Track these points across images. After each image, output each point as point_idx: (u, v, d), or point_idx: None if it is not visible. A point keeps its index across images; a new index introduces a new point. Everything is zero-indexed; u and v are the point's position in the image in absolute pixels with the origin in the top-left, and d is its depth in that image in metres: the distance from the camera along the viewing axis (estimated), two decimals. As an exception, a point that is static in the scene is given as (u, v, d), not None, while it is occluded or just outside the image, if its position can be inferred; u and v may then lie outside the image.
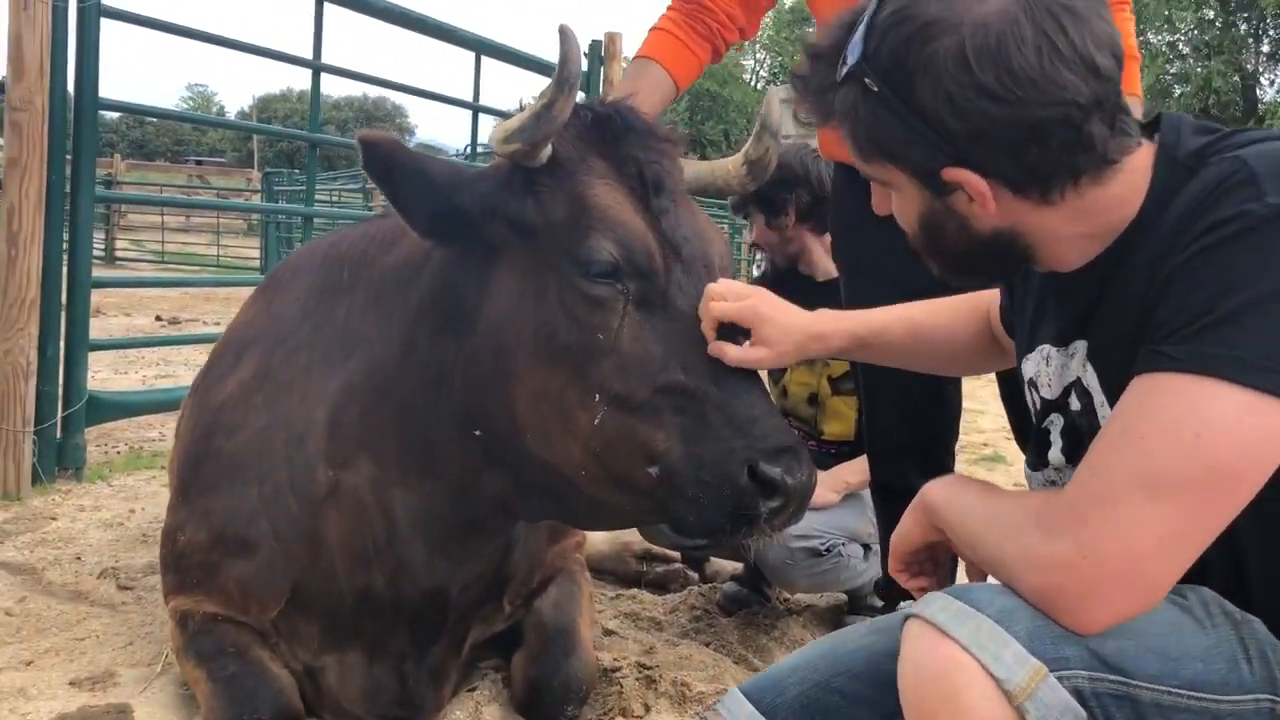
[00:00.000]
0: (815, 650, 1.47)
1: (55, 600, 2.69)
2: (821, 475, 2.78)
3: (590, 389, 1.59)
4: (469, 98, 6.16)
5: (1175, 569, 1.09)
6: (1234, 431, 1.04)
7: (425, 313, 1.82)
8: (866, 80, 1.21)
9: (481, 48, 5.84)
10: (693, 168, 1.83)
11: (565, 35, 1.55)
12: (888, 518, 2.40)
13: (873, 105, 1.22)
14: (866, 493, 2.79)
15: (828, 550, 2.66)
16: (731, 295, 1.57)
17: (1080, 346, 1.32)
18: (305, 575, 1.98)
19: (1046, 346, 1.38)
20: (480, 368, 1.72)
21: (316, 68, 4.91)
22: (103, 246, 19.04)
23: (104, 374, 6.46)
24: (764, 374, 3.22)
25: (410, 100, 74.69)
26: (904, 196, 1.31)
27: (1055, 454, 1.37)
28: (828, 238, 3.02)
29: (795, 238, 3.02)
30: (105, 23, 3.77)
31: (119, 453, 4.53)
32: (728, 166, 1.87)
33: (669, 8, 2.49)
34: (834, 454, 2.93)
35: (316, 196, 15.28)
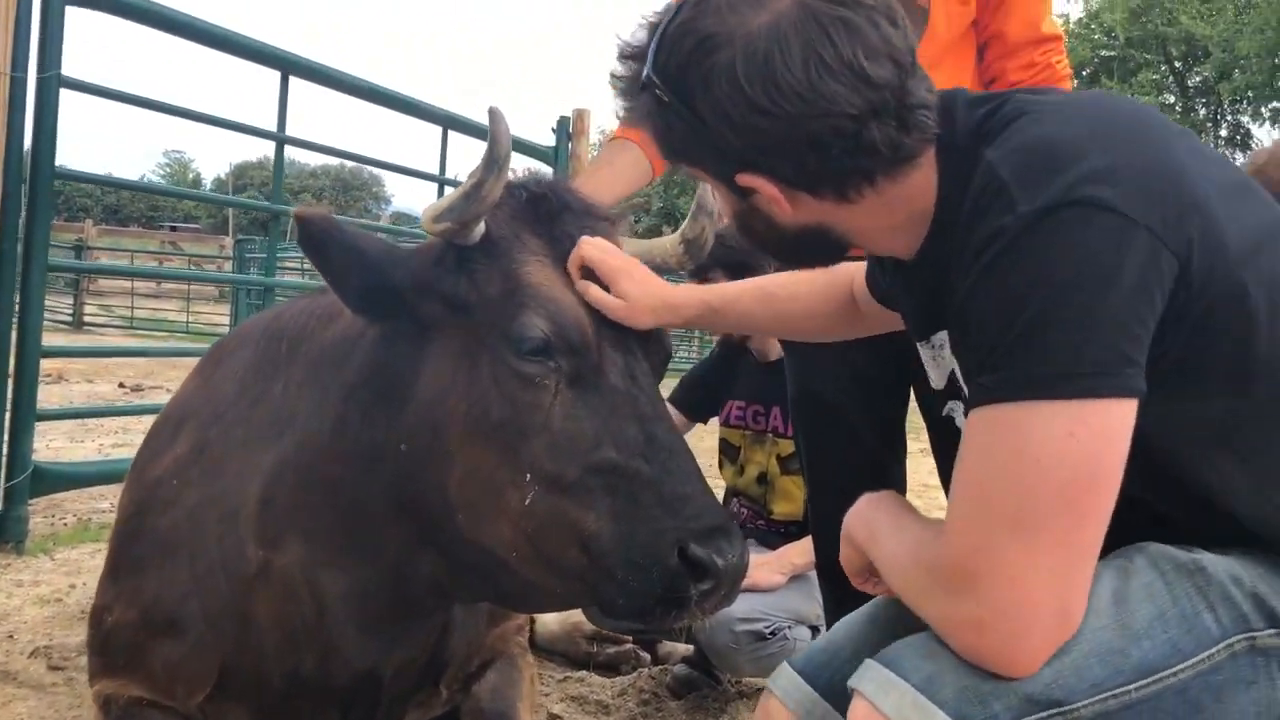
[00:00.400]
0: (865, 616, 1.46)
1: (-19, 680, 2.61)
2: (768, 557, 2.76)
3: (522, 468, 1.56)
4: (437, 170, 6.21)
5: (1078, 586, 1.09)
6: (1069, 445, 1.04)
7: (358, 390, 1.79)
8: (657, 91, 1.25)
9: (449, 122, 5.90)
10: (631, 245, 1.83)
11: (494, 116, 1.55)
12: (833, 600, 2.37)
13: (666, 114, 1.25)
14: (814, 575, 2.77)
15: (773, 633, 2.62)
16: (603, 249, 1.62)
17: (942, 337, 1.32)
18: (234, 657, 1.93)
19: (919, 342, 1.39)
20: (412, 446, 1.69)
21: (280, 140, 4.94)
22: (71, 312, 18.94)
23: (60, 442, 6.36)
24: (720, 453, 3.22)
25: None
26: (719, 195, 1.35)
27: None
28: None
29: None
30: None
31: (66, 524, 4.43)
32: (665, 245, 1.87)
33: None
34: (783, 533, 2.91)
35: (287, 265, 15.28)
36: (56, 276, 21.95)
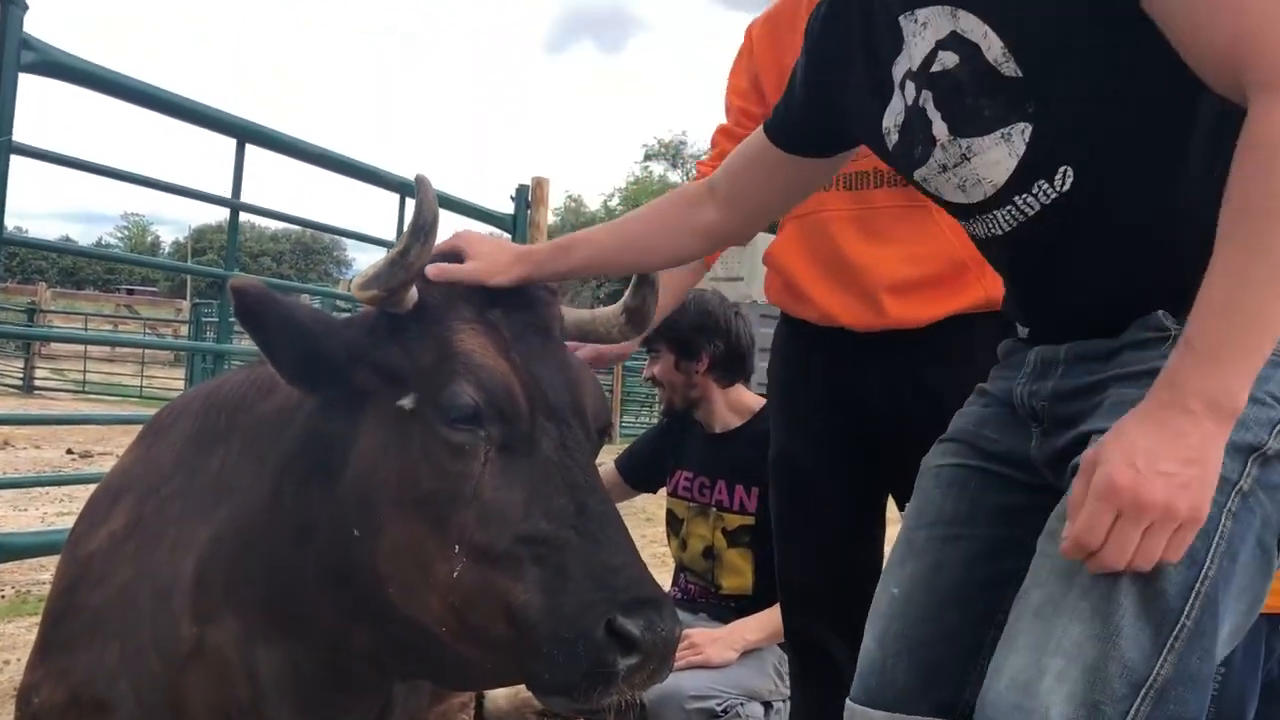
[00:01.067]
0: (888, 622, 1.47)
1: (-99, 765, 2.51)
2: (720, 632, 2.74)
3: (450, 539, 1.54)
4: (394, 236, 6.20)
5: None
6: None
7: (294, 461, 1.77)
8: None
9: (405, 189, 5.91)
10: (573, 315, 1.84)
11: (421, 184, 1.57)
12: (799, 668, 2.34)
13: None
14: (768, 649, 2.74)
15: (725, 711, 2.59)
16: (459, 238, 1.70)
17: (933, 10, 1.34)
18: (166, 742, 1.87)
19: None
20: (344, 518, 1.67)
21: (235, 206, 4.93)
22: (21, 376, 18.63)
23: (2, 510, 6.23)
24: (663, 526, 3.20)
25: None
26: None
27: (939, 128, 1.37)
28: (733, 390, 3.04)
29: (700, 385, 3.04)
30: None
31: (3, 597, 4.32)
32: (608, 315, 1.88)
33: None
34: (734, 608, 2.88)
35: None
36: (7, 340, 21.64)
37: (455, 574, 1.53)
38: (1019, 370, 1.44)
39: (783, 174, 1.70)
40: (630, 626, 1.43)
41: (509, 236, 6.69)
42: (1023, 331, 1.49)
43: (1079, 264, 1.35)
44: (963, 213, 1.45)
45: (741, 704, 2.63)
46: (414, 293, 1.63)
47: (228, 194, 5.00)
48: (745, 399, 3.07)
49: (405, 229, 1.57)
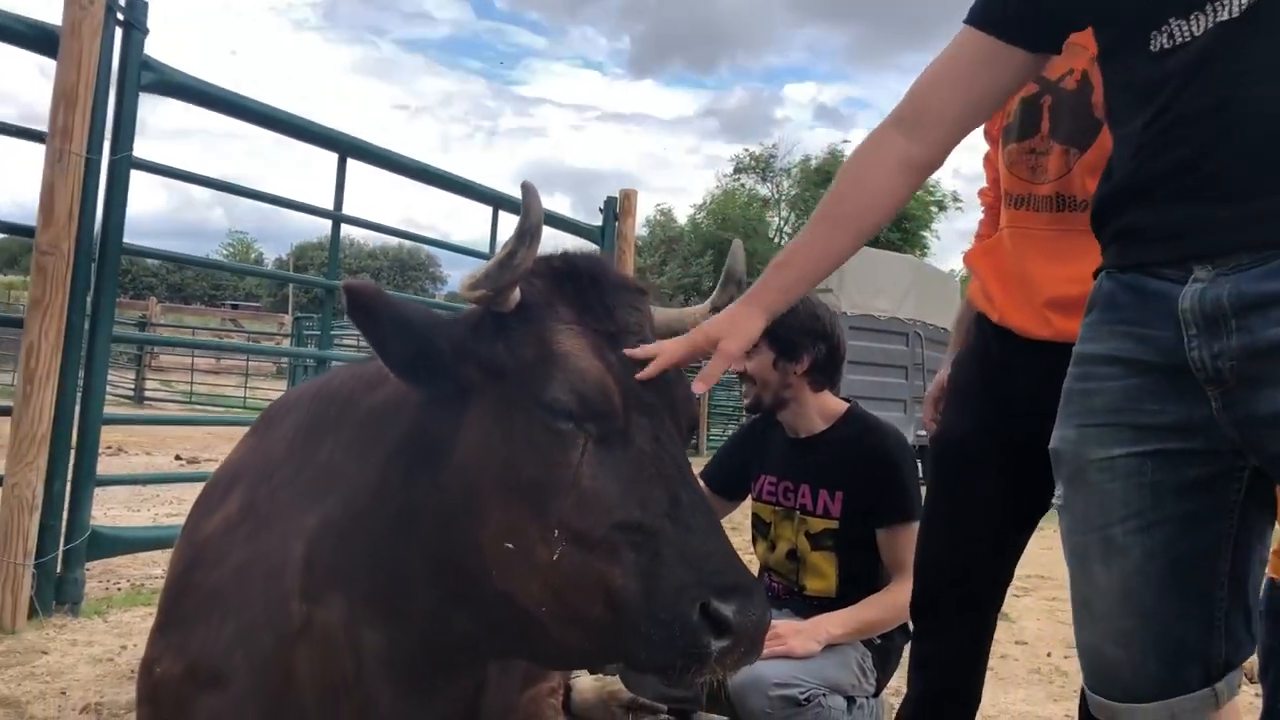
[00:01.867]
0: (1117, 620, 1.46)
1: (34, 735, 2.69)
2: (804, 624, 2.77)
3: (550, 525, 1.62)
4: (488, 249, 6.37)
5: None
6: None
7: (401, 452, 1.87)
8: None
9: (498, 201, 6.07)
10: (663, 314, 1.92)
11: (527, 191, 1.65)
12: (922, 658, 2.39)
13: None
14: (851, 646, 2.77)
15: (807, 700, 2.62)
16: (655, 350, 1.72)
17: None
18: (276, 711, 1.98)
19: None
20: (449, 506, 1.77)
21: (336, 218, 5.12)
22: (133, 386, 19.42)
23: (117, 510, 6.53)
24: (747, 536, 3.24)
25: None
26: None
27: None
28: (822, 395, 3.07)
29: (795, 385, 3.05)
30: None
31: (120, 589, 4.55)
32: (695, 314, 1.95)
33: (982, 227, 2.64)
34: (816, 607, 2.91)
35: (344, 340, 15.60)
36: (120, 352, 22.61)
37: (555, 557, 1.61)
38: (1155, 324, 1.39)
39: (978, 79, 1.68)
40: (724, 610, 1.50)
41: (597, 249, 6.82)
42: (1167, 253, 1.40)
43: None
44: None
45: (824, 695, 2.66)
46: (517, 293, 1.72)
47: (325, 209, 5.21)
48: (830, 404, 3.09)
49: (512, 234, 1.65)
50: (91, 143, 3.76)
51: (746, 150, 52.40)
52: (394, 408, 1.95)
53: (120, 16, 3.86)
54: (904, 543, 2.77)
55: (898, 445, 2.99)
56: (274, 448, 2.21)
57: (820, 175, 45.20)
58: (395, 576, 1.88)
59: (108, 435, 10.51)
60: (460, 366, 1.76)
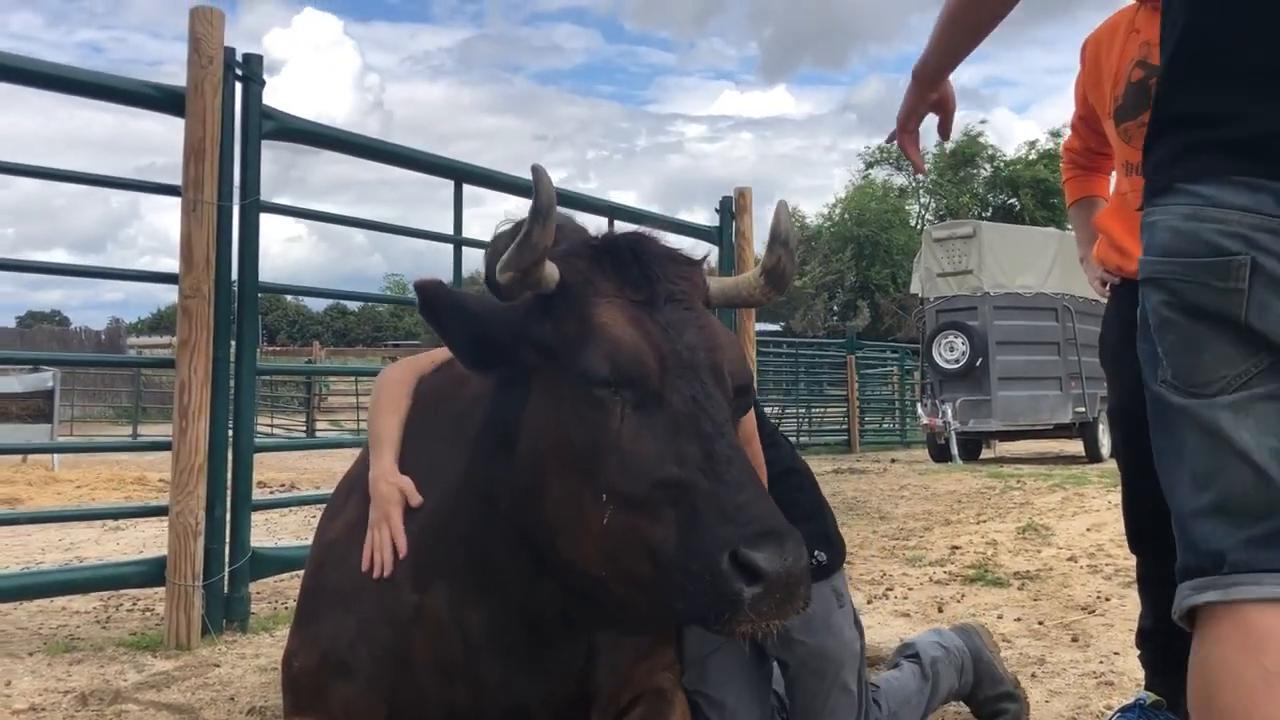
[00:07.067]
0: None
1: (205, 735, 2.91)
2: None
3: (599, 489, 1.70)
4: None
5: None
6: None
7: (481, 438, 1.99)
8: None
9: (612, 213, 6.21)
10: (717, 284, 1.97)
11: (537, 172, 1.74)
12: (1144, 574, 2.87)
13: None
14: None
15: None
16: None
17: None
18: (399, 694, 2.11)
19: None
20: (520, 482, 1.86)
21: (457, 242, 5.34)
22: (304, 429, 20.51)
23: (286, 540, 6.91)
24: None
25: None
26: None
27: None
28: None
29: None
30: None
31: (287, 608, 4.83)
32: (749, 279, 1.99)
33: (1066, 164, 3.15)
34: None
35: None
36: (292, 397, 23.83)
37: (606, 521, 1.69)
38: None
39: None
40: (754, 556, 1.54)
41: (715, 250, 6.88)
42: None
43: None
44: None
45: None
46: (555, 273, 1.81)
47: (445, 235, 5.42)
48: None
49: (527, 215, 1.73)
50: (221, 190, 4.04)
51: (869, 145, 51.48)
52: (478, 402, 2.07)
53: (239, 72, 4.14)
54: None
55: None
56: (383, 454, 2.36)
57: (956, 159, 44.07)
58: (487, 557, 1.99)
59: (280, 474, 11.17)
60: (518, 349, 1.86)
